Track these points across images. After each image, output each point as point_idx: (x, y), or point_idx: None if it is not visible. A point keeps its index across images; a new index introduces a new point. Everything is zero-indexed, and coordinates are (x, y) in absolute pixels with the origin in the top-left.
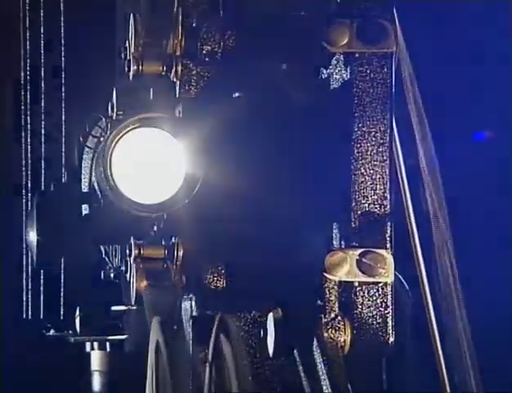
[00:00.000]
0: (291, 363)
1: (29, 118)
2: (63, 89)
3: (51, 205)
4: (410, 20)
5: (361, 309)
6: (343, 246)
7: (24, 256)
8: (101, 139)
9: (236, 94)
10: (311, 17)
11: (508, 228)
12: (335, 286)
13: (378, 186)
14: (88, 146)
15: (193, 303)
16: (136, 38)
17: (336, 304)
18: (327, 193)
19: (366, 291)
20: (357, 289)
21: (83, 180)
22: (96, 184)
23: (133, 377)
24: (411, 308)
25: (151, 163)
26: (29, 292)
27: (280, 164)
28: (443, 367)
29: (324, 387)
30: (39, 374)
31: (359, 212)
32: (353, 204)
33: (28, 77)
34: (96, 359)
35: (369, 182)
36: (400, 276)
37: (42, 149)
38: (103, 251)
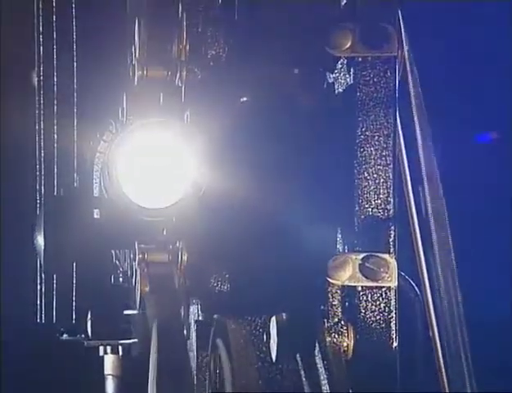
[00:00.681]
0: (294, 367)
1: (42, 122)
2: (75, 95)
3: (62, 209)
4: (410, 20)
5: (365, 313)
6: (346, 251)
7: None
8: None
9: (244, 98)
10: (316, 22)
11: (508, 228)
12: (338, 291)
13: (381, 190)
14: (99, 151)
15: (197, 307)
16: (140, 42)
17: (339, 309)
18: (331, 198)
19: (370, 296)
20: (361, 293)
21: (94, 184)
22: (103, 189)
23: (145, 381)
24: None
25: (158, 168)
26: (43, 296)
27: (284, 168)
28: (443, 367)
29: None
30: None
31: (362, 216)
32: (357, 208)
33: (41, 81)
34: (109, 362)
35: (372, 187)
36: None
37: (55, 153)
38: (113, 256)
